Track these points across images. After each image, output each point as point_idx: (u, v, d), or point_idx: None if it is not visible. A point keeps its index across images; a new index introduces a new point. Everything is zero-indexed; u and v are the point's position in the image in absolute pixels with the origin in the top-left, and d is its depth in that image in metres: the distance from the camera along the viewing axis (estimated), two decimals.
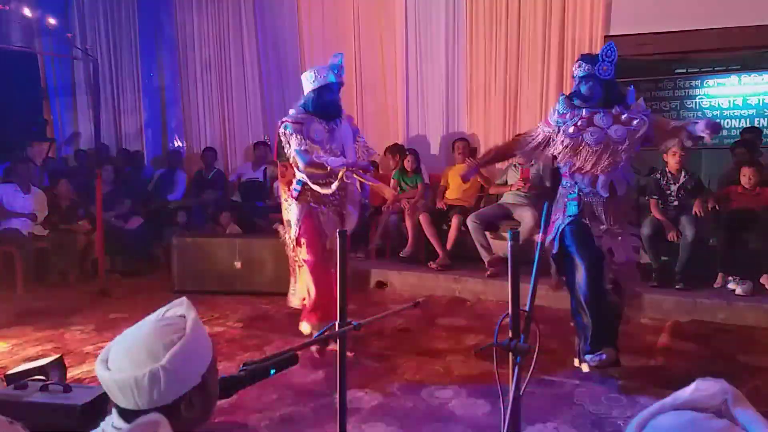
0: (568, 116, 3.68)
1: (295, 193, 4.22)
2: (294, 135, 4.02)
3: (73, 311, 5.44)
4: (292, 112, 4.17)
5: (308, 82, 4.10)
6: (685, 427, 0.84)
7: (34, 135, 8.86)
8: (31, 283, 6.29)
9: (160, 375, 1.23)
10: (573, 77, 3.77)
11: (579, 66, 3.69)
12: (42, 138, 9.07)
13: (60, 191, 6.85)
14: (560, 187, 3.80)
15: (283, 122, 4.12)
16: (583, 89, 3.67)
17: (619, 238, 3.69)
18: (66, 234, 6.56)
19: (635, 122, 3.57)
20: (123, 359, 1.27)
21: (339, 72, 4.05)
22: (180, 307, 1.38)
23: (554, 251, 3.73)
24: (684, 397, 0.90)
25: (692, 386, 0.91)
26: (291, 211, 4.27)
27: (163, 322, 1.34)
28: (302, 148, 4.02)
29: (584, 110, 3.65)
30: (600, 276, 3.57)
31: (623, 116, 3.61)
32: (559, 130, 3.70)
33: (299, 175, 4.20)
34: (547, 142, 3.78)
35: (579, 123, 3.62)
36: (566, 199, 3.72)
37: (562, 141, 3.66)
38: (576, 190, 3.69)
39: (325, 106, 4.07)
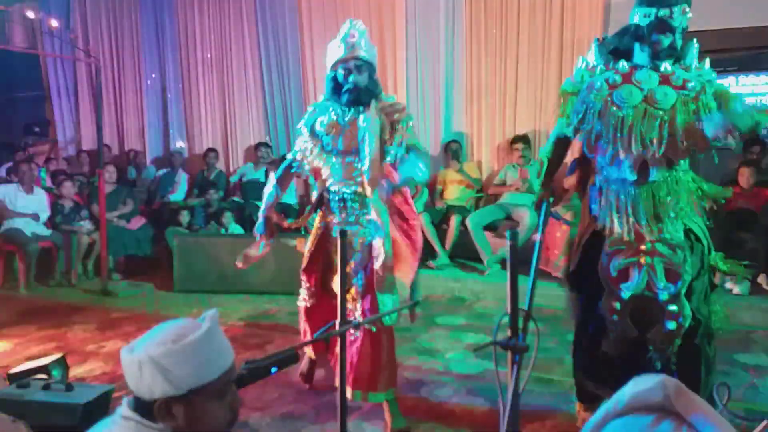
0: (598, 70, 2.76)
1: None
2: (301, 131, 3.32)
3: (76, 311, 5.48)
4: (320, 97, 3.38)
5: (327, 59, 3.21)
6: None
7: (37, 135, 8.90)
8: (34, 283, 6.33)
9: (136, 367, 1.28)
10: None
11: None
12: (44, 138, 9.11)
13: (62, 192, 6.89)
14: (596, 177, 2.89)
15: None
16: (637, 46, 2.67)
17: (650, 254, 2.67)
18: (68, 234, 6.59)
19: (690, 85, 2.63)
20: (137, 344, 1.34)
21: (350, 45, 3.07)
22: (206, 315, 1.39)
23: (572, 267, 2.94)
24: (624, 399, 0.86)
25: (630, 384, 0.88)
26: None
27: (182, 325, 1.36)
28: (291, 156, 3.39)
29: (622, 63, 2.72)
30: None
31: (674, 76, 2.65)
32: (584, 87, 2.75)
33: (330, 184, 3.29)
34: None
35: (611, 79, 2.68)
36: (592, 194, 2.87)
37: (583, 101, 2.71)
38: (598, 180, 2.81)
39: (339, 89, 3.14)
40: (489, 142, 6.95)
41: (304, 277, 3.45)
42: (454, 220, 6.26)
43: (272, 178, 3.46)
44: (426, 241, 6.36)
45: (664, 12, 2.56)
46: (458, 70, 6.94)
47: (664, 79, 2.62)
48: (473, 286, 5.79)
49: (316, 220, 3.42)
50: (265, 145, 7.78)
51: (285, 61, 7.81)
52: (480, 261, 6.10)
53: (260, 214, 3.44)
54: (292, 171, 3.45)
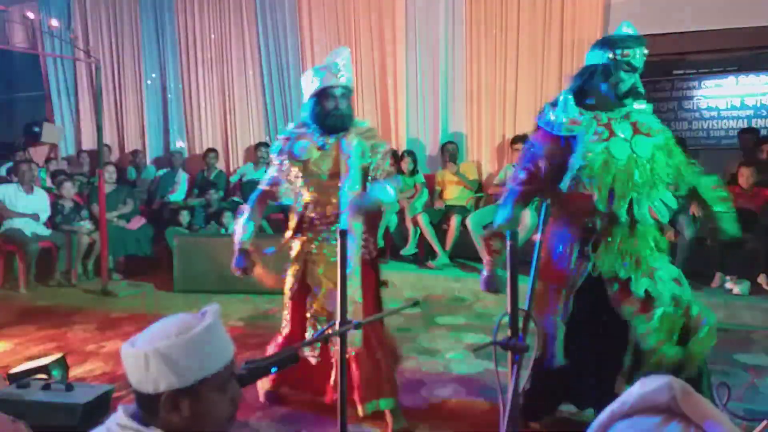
0: (582, 122, 2.67)
1: (290, 232, 3.30)
2: (274, 158, 3.28)
3: (76, 311, 5.50)
4: (290, 126, 3.36)
5: (306, 85, 3.16)
6: None
7: (37, 136, 8.90)
8: (34, 283, 6.34)
9: (142, 360, 1.28)
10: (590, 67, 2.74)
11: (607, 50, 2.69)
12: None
13: (62, 192, 6.90)
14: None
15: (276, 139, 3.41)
16: (604, 86, 2.68)
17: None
18: (68, 234, 6.60)
19: (655, 129, 2.70)
20: (139, 339, 1.34)
21: (337, 71, 3.08)
22: (208, 310, 1.40)
23: (565, 316, 2.79)
24: (631, 400, 0.86)
25: (637, 385, 0.87)
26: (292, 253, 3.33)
27: (185, 318, 1.37)
28: (264, 185, 3.32)
29: (603, 114, 2.69)
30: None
31: (638, 123, 2.70)
32: (572, 139, 2.66)
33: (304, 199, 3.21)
34: (550, 165, 2.71)
35: (600, 131, 2.64)
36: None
37: (585, 156, 2.61)
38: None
39: (324, 116, 3.10)
40: (488, 142, 6.96)
41: (288, 309, 3.32)
42: (454, 220, 6.27)
43: (245, 210, 3.32)
44: (426, 241, 6.39)
45: (626, 52, 2.64)
46: (458, 70, 6.95)
47: (634, 128, 2.66)
48: (473, 286, 5.78)
49: (297, 246, 3.27)
50: (265, 145, 7.79)
51: (285, 61, 7.82)
52: (480, 261, 6.09)
53: (236, 248, 3.26)
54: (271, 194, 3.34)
